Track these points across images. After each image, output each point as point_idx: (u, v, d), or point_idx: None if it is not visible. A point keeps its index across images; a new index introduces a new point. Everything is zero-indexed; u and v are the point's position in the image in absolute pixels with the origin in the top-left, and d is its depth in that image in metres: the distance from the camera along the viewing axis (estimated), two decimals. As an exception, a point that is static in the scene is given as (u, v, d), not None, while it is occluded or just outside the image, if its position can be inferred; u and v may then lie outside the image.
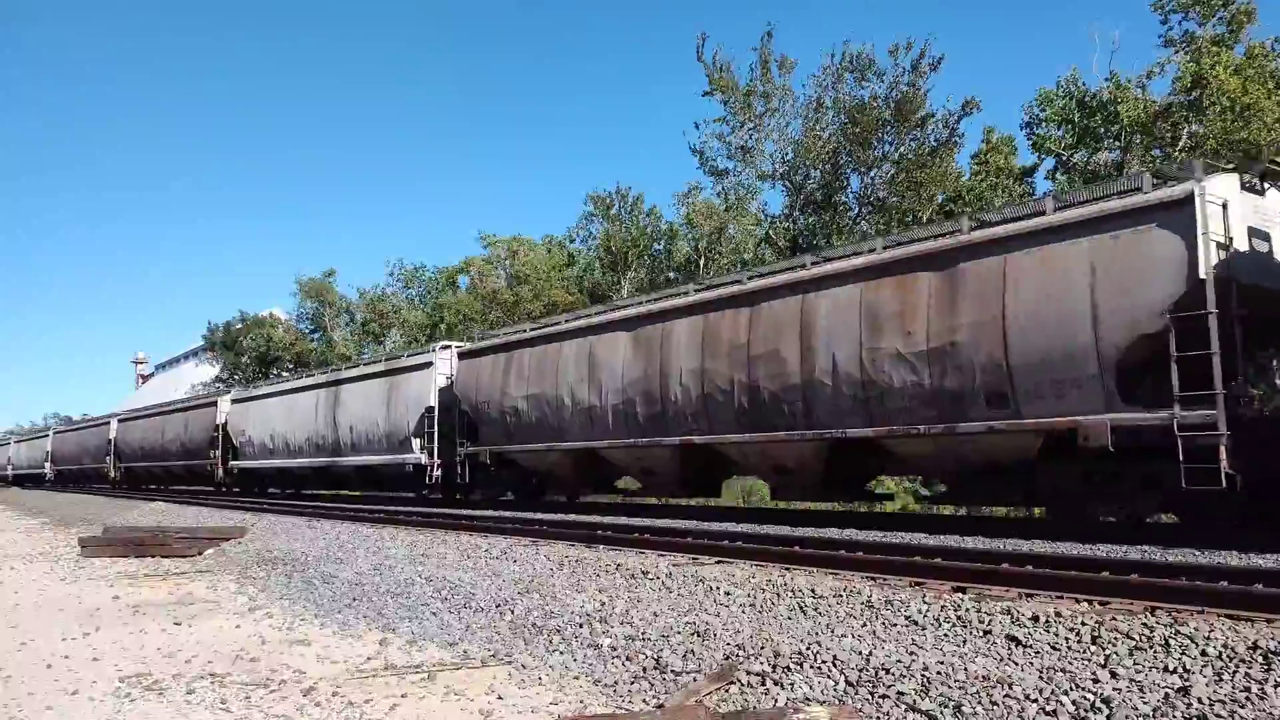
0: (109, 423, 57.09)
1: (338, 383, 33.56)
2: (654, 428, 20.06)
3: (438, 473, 27.42)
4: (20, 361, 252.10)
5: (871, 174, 38.16)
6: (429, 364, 28.44)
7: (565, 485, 25.07)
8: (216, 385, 69.88)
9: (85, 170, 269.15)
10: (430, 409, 27.61)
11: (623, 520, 18.47)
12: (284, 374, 60.48)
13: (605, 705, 6.28)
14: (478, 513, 22.49)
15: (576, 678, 6.99)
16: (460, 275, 60.91)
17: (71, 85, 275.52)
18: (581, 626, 8.48)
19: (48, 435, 70.56)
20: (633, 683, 6.74)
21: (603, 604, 9.40)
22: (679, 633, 7.87)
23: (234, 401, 42.15)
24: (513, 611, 9.45)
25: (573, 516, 20.68)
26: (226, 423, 41.65)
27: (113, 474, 55.16)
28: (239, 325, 71.90)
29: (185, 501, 35.39)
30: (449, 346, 28.97)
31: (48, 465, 67.44)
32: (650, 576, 10.71)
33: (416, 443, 27.92)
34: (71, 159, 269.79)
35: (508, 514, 21.97)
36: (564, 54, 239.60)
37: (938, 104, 36.58)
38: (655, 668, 7.02)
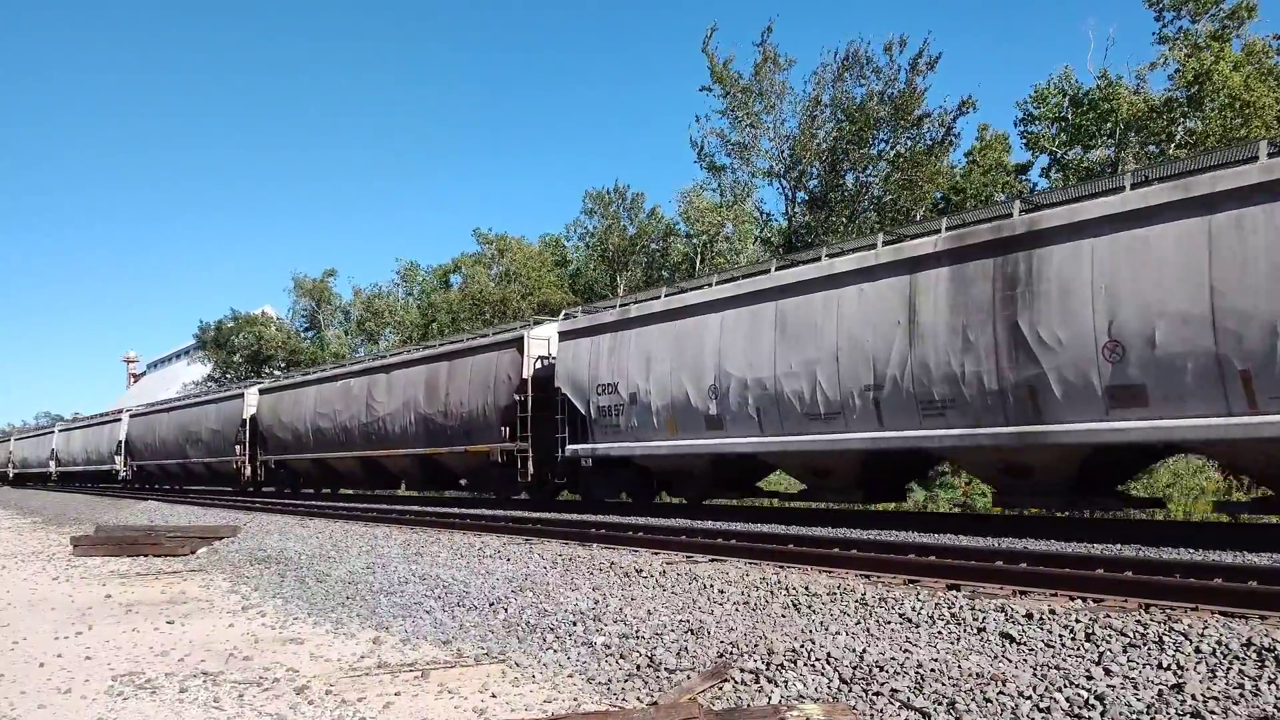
0: (120, 419, 55.13)
1: (394, 367, 30.74)
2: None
3: (531, 469, 23.83)
4: (8, 360, 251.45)
5: (868, 172, 38.21)
6: (517, 340, 25.08)
7: (695, 487, 21.41)
8: (209, 384, 69.70)
9: (76, 168, 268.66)
10: (523, 393, 24.20)
11: (615, 519, 18.47)
12: (276, 372, 60.44)
13: (599, 703, 6.27)
14: (471, 511, 22.45)
15: (570, 676, 6.99)
16: (453, 274, 60.95)
17: (63, 82, 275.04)
18: (575, 624, 8.47)
19: (51, 433, 67.84)
20: (626, 680, 6.73)
21: (596, 602, 9.39)
22: (673, 630, 7.86)
23: (263, 393, 39.75)
24: (506, 610, 9.44)
25: (567, 516, 20.68)
26: (256, 416, 39.31)
27: (123, 473, 53.37)
28: (231, 323, 71.79)
29: (183, 501, 35.30)
30: (542, 322, 26.25)
31: (52, 464, 65.10)
32: (644, 575, 10.71)
33: (505, 431, 24.51)
34: (61, 156, 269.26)
35: (501, 513, 21.95)
36: (563, 51, 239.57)
37: (934, 103, 36.68)
38: (649, 665, 7.01)
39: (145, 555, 16.85)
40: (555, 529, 16.04)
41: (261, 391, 40.00)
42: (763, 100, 39.70)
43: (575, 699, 6.37)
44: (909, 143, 36.94)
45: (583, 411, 21.96)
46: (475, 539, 15.71)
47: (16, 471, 74.38)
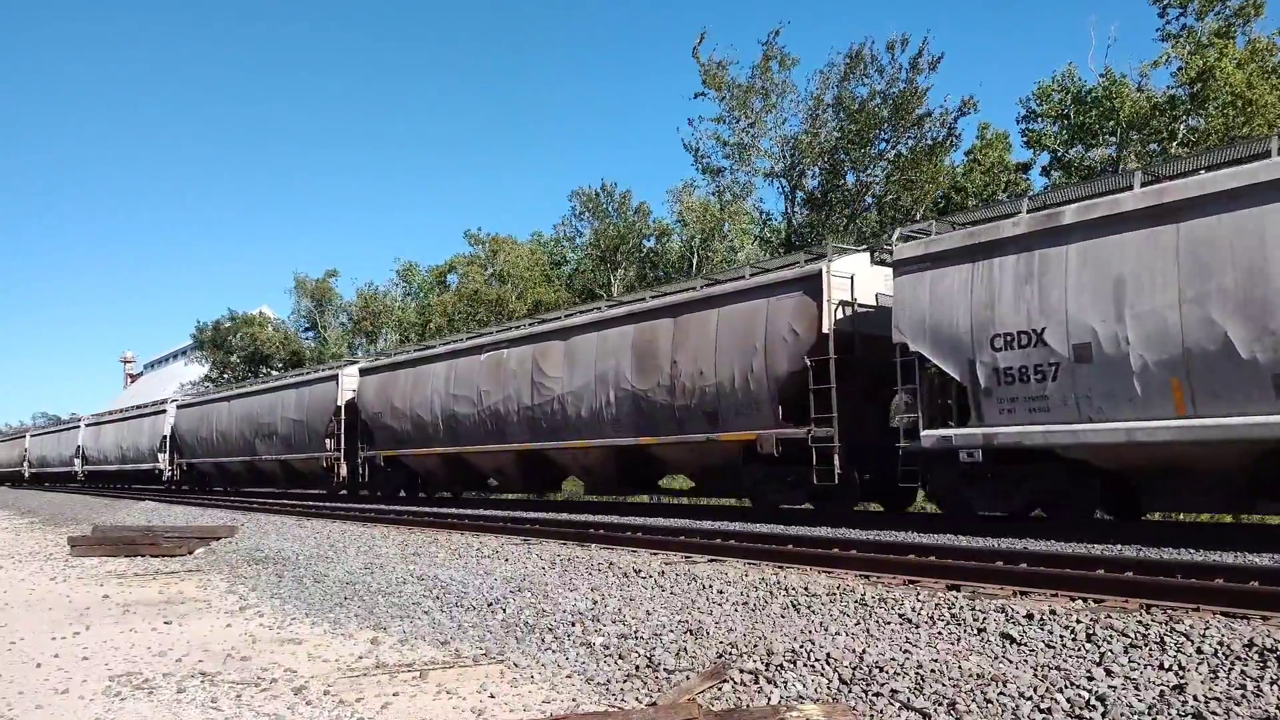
0: (165, 410, 47.54)
1: (579, 330, 22.94)
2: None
3: (838, 464, 16.55)
4: (4, 361, 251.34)
5: (868, 172, 38.19)
6: (810, 278, 17.54)
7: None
8: (206, 384, 69.58)
9: (74, 167, 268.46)
10: (819, 353, 16.98)
11: (613, 519, 18.44)
12: (273, 372, 60.28)
13: (598, 703, 6.26)
14: (469, 511, 22.38)
15: (569, 676, 6.97)
16: (449, 274, 60.99)
17: (62, 81, 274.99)
18: (574, 625, 8.45)
19: (78, 427, 59.34)
20: (625, 681, 6.72)
21: (595, 602, 9.37)
22: (671, 631, 7.84)
23: (364, 372, 31.77)
24: (505, 610, 9.42)
25: (566, 516, 20.64)
26: (357, 401, 31.51)
27: (169, 473, 46.29)
28: (228, 323, 71.74)
29: (181, 502, 35.24)
30: (846, 251, 18.58)
31: (78, 463, 57.66)
32: (643, 575, 10.69)
33: (780, 412, 17.67)
34: (58, 155, 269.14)
35: (500, 513, 21.90)
36: (557, 50, 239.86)
37: (935, 103, 36.64)
38: (648, 666, 7.00)
39: (143, 556, 16.84)
40: (553, 529, 16.02)
41: (363, 371, 32.06)
42: (764, 100, 39.67)
43: (574, 699, 6.35)
44: (910, 142, 36.92)
45: (959, 378, 14.47)
46: (473, 539, 15.68)
47: (34, 471, 67.51)
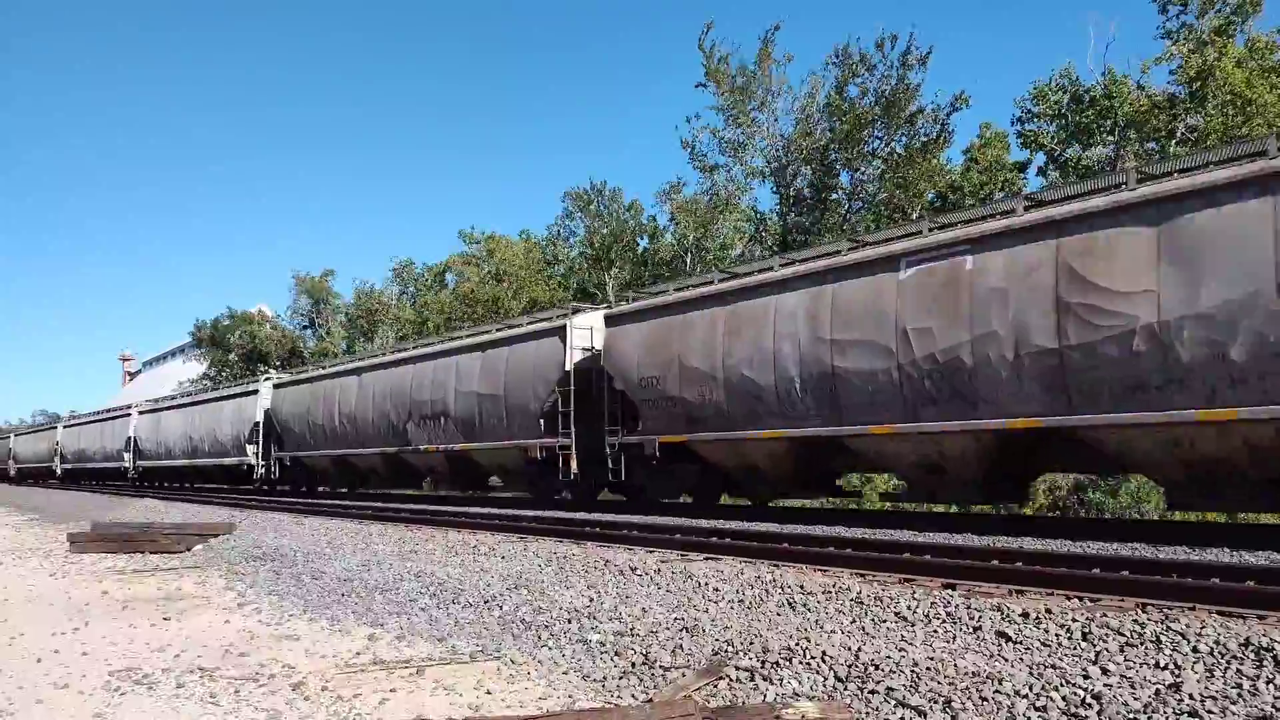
0: (256, 392, 39.75)
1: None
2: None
3: None
4: (3, 359, 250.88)
5: (861, 171, 38.21)
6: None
7: None
8: (205, 382, 69.52)
9: (72, 165, 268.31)
10: None
11: (610, 517, 18.46)
12: (270, 371, 60.27)
13: (594, 700, 6.27)
14: (467, 510, 22.39)
15: (565, 673, 6.98)
16: (446, 273, 61.02)
17: (59, 80, 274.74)
18: (570, 622, 8.47)
19: (129, 415, 52.84)
20: (621, 678, 6.73)
21: (591, 600, 9.39)
22: (668, 628, 7.86)
23: (611, 321, 22.21)
24: (501, 607, 9.43)
25: (561, 514, 20.66)
26: (602, 359, 22.18)
27: (262, 470, 38.73)
28: (227, 321, 71.75)
29: (180, 499, 35.25)
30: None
31: (127, 457, 53.06)
32: (639, 573, 10.70)
33: None
34: (56, 153, 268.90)
35: (495, 511, 21.92)
36: (551, 49, 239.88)
37: (928, 99, 36.66)
38: (644, 663, 7.01)
39: (142, 552, 16.83)
40: (550, 527, 16.04)
41: (611, 320, 22.26)
42: (757, 99, 39.71)
43: (571, 696, 6.37)
44: (903, 140, 36.94)
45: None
46: (470, 537, 15.70)
47: (69, 467, 62.00)
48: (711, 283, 19.70)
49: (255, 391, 39.69)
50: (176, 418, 46.14)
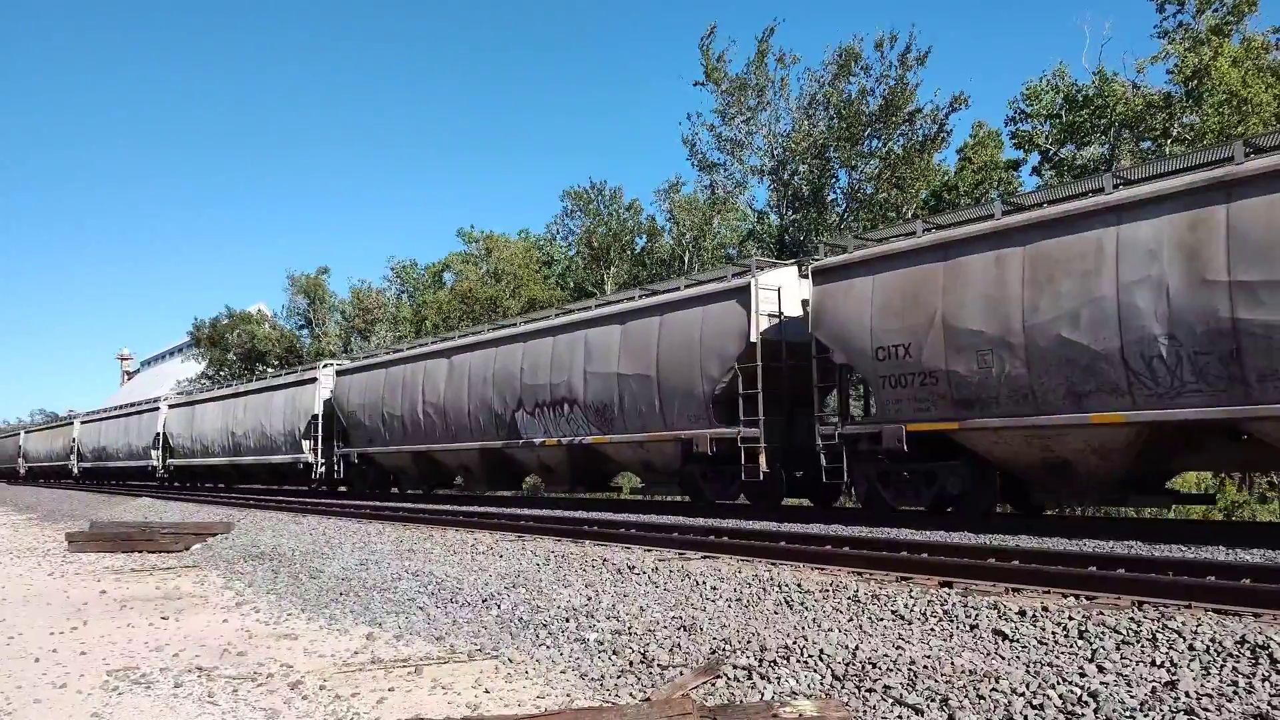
0: (315, 380, 35.02)
1: None
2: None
3: None
4: (2, 358, 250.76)
5: (859, 170, 38.21)
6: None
7: None
8: (203, 382, 69.46)
9: (69, 164, 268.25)
10: None
11: (608, 516, 18.45)
12: (269, 370, 60.30)
13: (592, 699, 6.28)
14: (464, 508, 22.36)
15: (563, 672, 6.99)
16: (445, 272, 61.05)
17: (57, 79, 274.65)
18: (568, 621, 8.48)
19: (157, 409, 47.95)
20: (619, 676, 6.74)
21: (589, 599, 9.40)
22: (665, 627, 7.87)
23: (821, 275, 17.13)
24: (499, 606, 9.44)
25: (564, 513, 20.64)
26: (815, 316, 17.29)
27: (322, 469, 34.33)
28: (225, 321, 71.71)
29: (178, 499, 35.19)
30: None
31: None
32: (636, 571, 10.71)
33: None
34: (54, 152, 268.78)
35: (493, 509, 21.90)
36: (549, 47, 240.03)
37: (925, 99, 36.72)
38: (641, 662, 7.02)
39: (140, 552, 16.85)
40: (547, 526, 16.04)
41: (820, 273, 17.19)
42: (758, 98, 39.71)
43: (568, 695, 6.38)
44: (901, 140, 36.94)
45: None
46: (468, 535, 15.70)
47: (87, 466, 57.40)
48: (994, 216, 14.59)
49: (313, 380, 34.51)
50: (214, 410, 41.58)
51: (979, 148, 39.05)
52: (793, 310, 18.17)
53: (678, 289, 20.38)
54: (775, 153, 40.12)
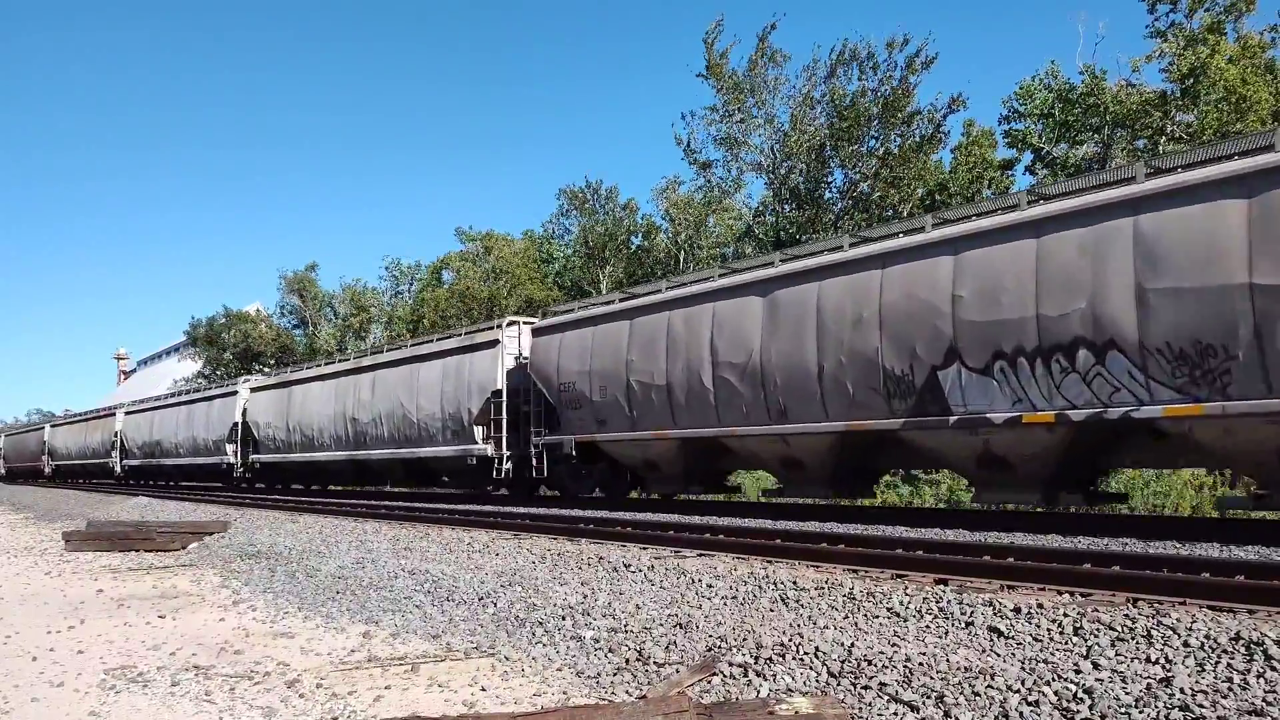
0: (235, 394, 35.76)
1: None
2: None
3: None
4: None
5: (856, 169, 38.23)
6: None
7: None
8: (200, 380, 69.45)
9: (67, 164, 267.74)
10: None
11: (604, 514, 18.46)
12: (266, 369, 60.31)
13: (588, 696, 6.29)
14: (459, 507, 22.40)
15: (559, 669, 7.00)
16: (444, 270, 61.03)
17: (54, 78, 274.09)
18: (564, 619, 8.49)
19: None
20: (615, 674, 6.75)
21: (585, 596, 9.40)
22: (661, 624, 7.88)
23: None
24: (495, 604, 9.45)
25: (555, 511, 20.67)
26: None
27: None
28: (222, 320, 71.70)
29: (174, 497, 35.17)
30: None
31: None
32: (632, 569, 10.72)
33: None
34: (52, 152, 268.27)
35: (488, 508, 21.91)
36: (546, 46, 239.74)
37: (924, 100, 36.74)
38: (638, 659, 7.03)
39: (136, 550, 16.84)
40: (543, 525, 16.05)
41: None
42: (755, 95, 39.71)
43: (564, 692, 6.39)
44: (899, 140, 36.98)
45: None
46: (464, 534, 15.71)
47: (133, 464, 51.49)
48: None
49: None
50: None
51: (972, 146, 39.11)
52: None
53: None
54: (772, 150, 40.14)
